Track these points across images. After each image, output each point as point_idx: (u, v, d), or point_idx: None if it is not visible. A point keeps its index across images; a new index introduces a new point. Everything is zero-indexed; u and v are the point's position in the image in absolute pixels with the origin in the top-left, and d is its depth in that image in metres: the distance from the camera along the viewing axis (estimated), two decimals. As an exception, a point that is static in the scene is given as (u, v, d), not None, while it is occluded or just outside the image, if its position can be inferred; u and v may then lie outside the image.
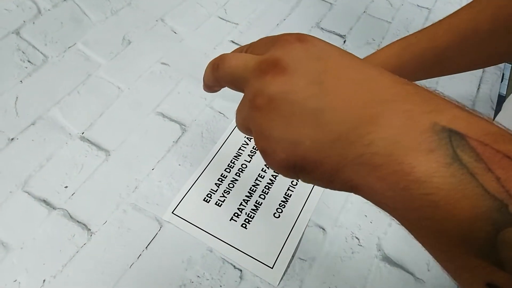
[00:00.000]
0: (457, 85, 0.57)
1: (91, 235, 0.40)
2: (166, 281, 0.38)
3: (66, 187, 0.44)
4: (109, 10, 0.60)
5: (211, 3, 0.66)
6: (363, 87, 0.18)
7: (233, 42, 0.60)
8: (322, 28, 0.64)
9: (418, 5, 0.69)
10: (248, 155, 0.48)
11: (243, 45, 0.24)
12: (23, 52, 0.52)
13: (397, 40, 0.42)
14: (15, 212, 0.41)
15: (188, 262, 0.40)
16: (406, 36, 0.42)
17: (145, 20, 0.61)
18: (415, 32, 0.42)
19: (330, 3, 0.68)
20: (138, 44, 0.58)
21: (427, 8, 0.69)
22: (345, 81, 0.18)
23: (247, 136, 0.49)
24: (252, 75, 0.20)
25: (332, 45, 0.20)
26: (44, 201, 0.42)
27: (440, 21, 0.41)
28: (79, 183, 0.44)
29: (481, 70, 0.59)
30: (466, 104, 0.54)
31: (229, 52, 0.24)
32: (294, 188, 0.46)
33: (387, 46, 0.42)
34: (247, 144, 0.49)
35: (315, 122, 0.18)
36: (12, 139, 0.46)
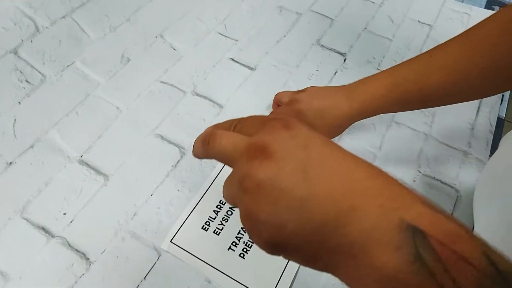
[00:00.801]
0: (457, 108, 0.57)
1: (89, 265, 0.41)
2: (164, 312, 0.39)
3: (64, 213, 0.44)
4: (107, 26, 0.59)
5: (211, 18, 0.65)
6: (342, 178, 0.19)
7: (233, 60, 0.60)
8: (322, 46, 0.63)
9: (419, 21, 0.69)
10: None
11: (232, 119, 0.25)
12: (21, 72, 0.52)
13: (386, 76, 0.41)
14: (14, 239, 0.41)
15: (186, 293, 0.40)
16: (395, 70, 0.41)
17: (144, 36, 0.60)
18: (404, 65, 0.41)
19: (331, 19, 0.68)
20: (137, 61, 0.58)
21: (428, 24, 0.68)
22: (327, 171, 0.20)
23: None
24: (241, 157, 0.21)
25: (316, 133, 0.22)
26: (43, 229, 0.42)
27: (430, 56, 0.40)
28: (77, 209, 0.44)
29: (481, 92, 0.59)
30: (466, 127, 0.54)
31: (216, 124, 0.26)
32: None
33: (372, 80, 0.41)
34: (246, 169, 0.49)
35: (299, 209, 0.19)
36: (10, 163, 0.46)
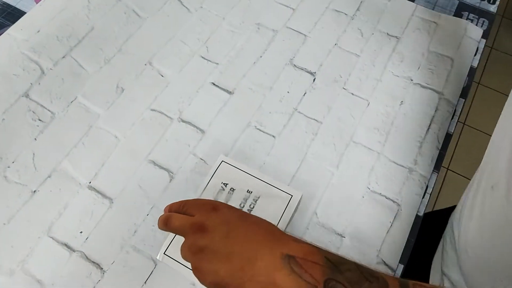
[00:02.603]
0: (410, 127, 0.65)
1: (103, 273, 0.54)
2: (161, 308, 0.52)
3: (81, 232, 0.56)
4: (102, 59, 0.67)
5: (194, 40, 0.72)
6: (249, 239, 0.34)
7: (213, 84, 0.68)
8: (295, 65, 0.70)
9: (387, 34, 0.74)
10: (224, 199, 0.59)
11: (180, 201, 0.40)
12: (33, 112, 0.61)
13: None
14: (45, 254, 0.54)
15: (177, 293, 0.53)
16: None
17: (135, 65, 0.68)
18: None
19: (304, 35, 0.73)
20: (130, 91, 0.66)
21: (396, 37, 0.74)
22: (240, 236, 0.34)
23: (223, 182, 0.60)
24: (188, 232, 0.36)
25: (235, 210, 0.36)
26: (65, 245, 0.55)
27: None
28: (91, 228, 0.56)
29: (434, 108, 0.66)
30: (414, 145, 0.62)
31: (171, 204, 0.42)
32: (261, 227, 0.57)
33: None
34: (223, 190, 0.59)
35: (226, 261, 0.33)
36: (34, 191, 0.58)
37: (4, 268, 0.53)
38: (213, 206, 0.36)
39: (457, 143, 1.76)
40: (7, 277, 0.52)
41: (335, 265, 0.31)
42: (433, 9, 0.77)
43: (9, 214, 0.56)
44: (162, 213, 0.57)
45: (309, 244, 0.33)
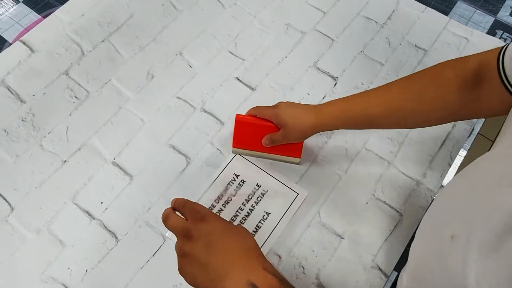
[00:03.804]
0: (423, 140, 0.65)
1: (117, 242, 0.59)
2: (165, 281, 0.57)
3: (101, 202, 0.61)
4: (137, 46, 0.72)
5: (224, 35, 0.75)
6: (225, 254, 0.37)
7: (238, 79, 0.71)
8: (318, 68, 0.72)
9: (416, 45, 0.74)
10: (234, 190, 0.62)
11: (185, 200, 0.43)
12: (71, 90, 0.67)
13: (341, 100, 0.53)
14: (68, 218, 0.60)
15: (180, 269, 0.57)
16: (349, 97, 0.53)
17: (167, 54, 0.72)
18: (358, 96, 0.53)
19: (332, 39, 0.75)
20: (159, 78, 0.71)
21: (423, 49, 0.74)
22: (219, 249, 0.37)
23: (235, 174, 0.63)
24: (178, 235, 0.40)
25: (220, 223, 0.40)
26: (87, 212, 0.61)
27: (376, 91, 0.52)
28: (110, 200, 0.62)
29: (451, 124, 0.66)
30: (426, 159, 0.63)
31: (177, 198, 0.45)
32: (265, 221, 0.60)
33: (333, 103, 0.54)
34: (234, 181, 0.63)
35: (203, 269, 0.37)
36: (65, 161, 0.64)
37: (32, 226, 0.59)
38: (202, 216, 0.39)
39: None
40: (34, 233, 0.58)
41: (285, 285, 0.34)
42: (466, 25, 0.76)
43: (41, 179, 0.62)
44: (176, 195, 0.62)
45: (276, 276, 0.35)
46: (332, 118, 0.53)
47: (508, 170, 0.30)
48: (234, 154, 0.64)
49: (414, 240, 0.42)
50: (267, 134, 0.60)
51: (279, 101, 0.59)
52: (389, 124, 0.53)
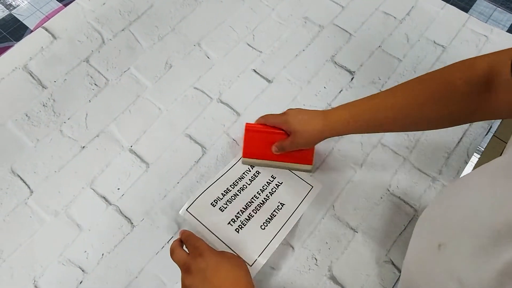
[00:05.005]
0: (440, 137, 0.65)
1: (133, 228, 0.60)
2: (178, 267, 0.57)
3: (118, 189, 0.62)
4: (156, 36, 0.73)
5: (243, 27, 0.75)
6: (220, 284, 0.42)
7: (255, 71, 0.71)
8: (335, 62, 0.72)
9: (434, 42, 0.74)
10: (249, 179, 0.63)
11: (190, 233, 0.49)
12: (91, 77, 0.68)
13: (349, 105, 0.53)
14: (86, 203, 0.61)
15: (194, 256, 0.58)
16: (357, 102, 0.52)
17: (185, 44, 0.73)
18: (365, 100, 0.52)
19: (350, 34, 0.75)
20: (177, 68, 0.71)
21: (442, 46, 0.73)
22: (214, 280, 0.43)
23: (250, 164, 0.64)
24: (181, 269, 0.46)
25: (215, 258, 0.45)
26: (104, 198, 0.62)
27: (385, 96, 0.51)
28: (127, 187, 0.62)
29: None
30: (442, 156, 0.63)
31: (183, 230, 0.50)
32: (279, 211, 0.60)
33: (341, 108, 0.54)
34: (249, 171, 0.63)
35: None
36: (83, 147, 0.65)
37: (51, 209, 0.60)
38: (201, 252, 0.45)
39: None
40: (52, 216, 0.60)
41: None
42: (486, 22, 0.75)
43: (60, 164, 0.63)
44: (191, 184, 0.62)
45: None
46: (341, 123, 0.53)
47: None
48: (250, 145, 0.64)
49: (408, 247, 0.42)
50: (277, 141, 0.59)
51: (287, 108, 0.59)
52: (398, 128, 0.52)
